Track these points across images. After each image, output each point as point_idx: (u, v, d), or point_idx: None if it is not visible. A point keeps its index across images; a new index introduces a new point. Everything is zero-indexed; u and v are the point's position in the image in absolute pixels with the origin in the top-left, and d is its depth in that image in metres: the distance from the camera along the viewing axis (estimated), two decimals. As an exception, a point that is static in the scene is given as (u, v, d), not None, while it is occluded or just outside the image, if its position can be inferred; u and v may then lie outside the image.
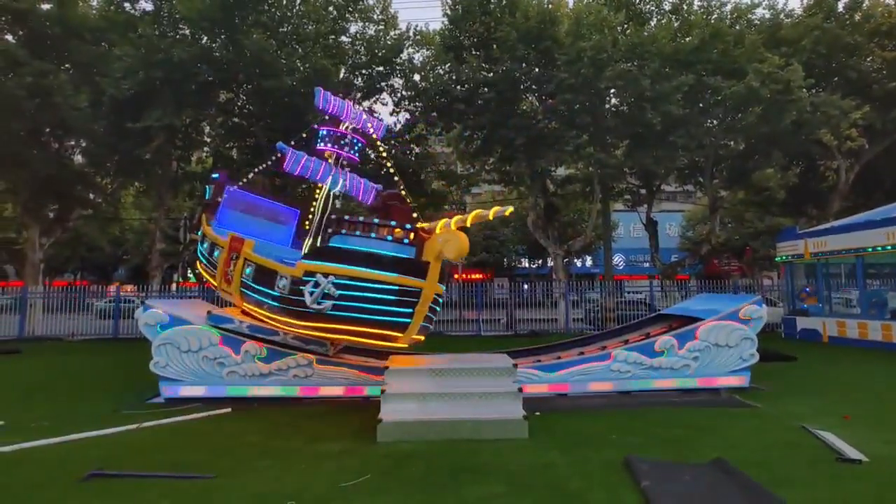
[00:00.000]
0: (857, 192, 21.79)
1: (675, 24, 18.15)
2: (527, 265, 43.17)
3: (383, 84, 19.41)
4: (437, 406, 5.84)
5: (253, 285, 6.99)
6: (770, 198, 24.64)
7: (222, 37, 16.17)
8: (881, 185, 21.20)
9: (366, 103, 19.79)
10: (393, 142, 20.48)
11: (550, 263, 19.86)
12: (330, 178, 7.98)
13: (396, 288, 5.94)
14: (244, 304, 7.42)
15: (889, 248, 13.54)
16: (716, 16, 18.42)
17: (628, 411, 6.88)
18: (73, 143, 19.90)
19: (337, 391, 7.50)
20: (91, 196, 21.56)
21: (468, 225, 5.58)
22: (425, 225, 5.96)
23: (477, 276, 36.82)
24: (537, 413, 6.46)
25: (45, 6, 17.16)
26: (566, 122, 17.35)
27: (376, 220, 6.23)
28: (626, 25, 18.16)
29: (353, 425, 6.15)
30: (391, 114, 20.63)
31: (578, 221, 32.11)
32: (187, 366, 7.36)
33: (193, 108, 16.66)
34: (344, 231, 6.23)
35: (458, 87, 18.47)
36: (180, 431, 6.02)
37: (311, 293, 6.12)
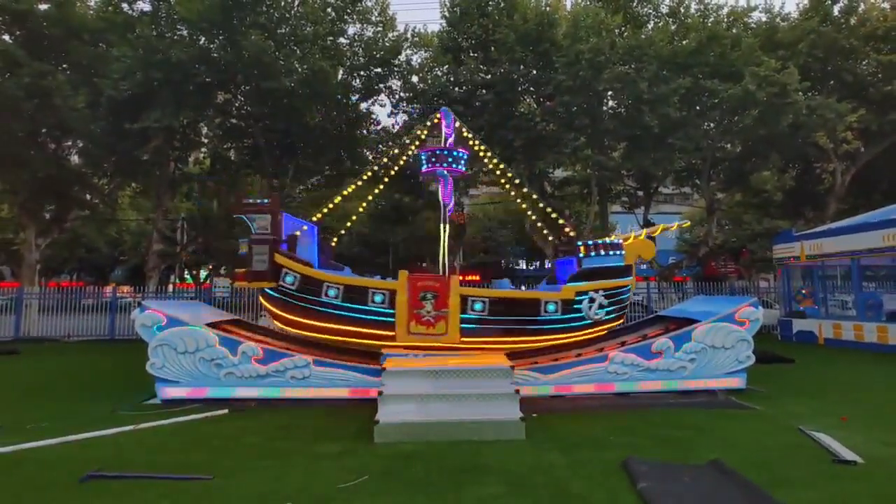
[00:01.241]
0: (853, 194, 21.90)
1: (673, 28, 18.23)
2: (525, 266, 43.22)
3: (381, 85, 19.43)
4: (435, 407, 5.85)
5: (497, 318, 7.67)
6: (767, 200, 24.74)
7: (221, 38, 16.17)
8: (878, 188, 21.31)
9: (364, 104, 19.83)
10: (391, 143, 20.51)
11: (548, 265, 19.90)
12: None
13: (627, 288, 8.26)
14: (461, 339, 7.58)
15: (885, 250, 13.61)
16: (713, 19, 18.48)
17: (625, 413, 6.90)
18: (70, 143, 19.86)
19: (335, 392, 7.50)
20: (88, 197, 21.53)
21: (655, 235, 8.53)
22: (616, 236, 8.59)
23: (474, 276, 36.84)
24: (534, 414, 6.48)
25: (44, 6, 17.14)
26: (564, 124, 17.39)
27: (607, 241, 8.33)
28: (623, 28, 18.22)
29: (351, 426, 6.16)
30: (389, 115, 20.65)
31: (576, 223, 32.19)
32: (184, 367, 7.35)
33: (192, 109, 16.64)
34: (593, 254, 8.13)
35: (457, 88, 18.50)
36: (178, 432, 6.02)
37: (590, 307, 7.87)
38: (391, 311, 7.52)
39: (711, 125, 18.47)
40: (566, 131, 17.32)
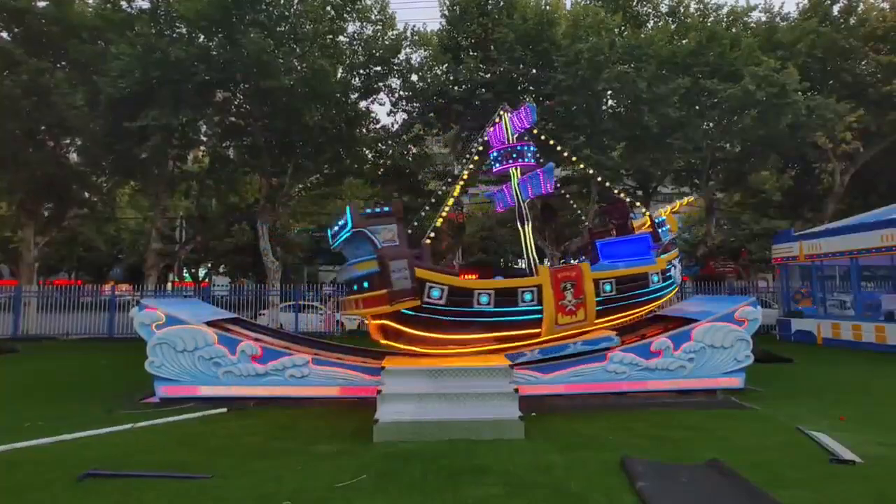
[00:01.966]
0: (852, 194, 21.93)
1: (672, 27, 18.23)
2: (524, 266, 43.17)
3: (381, 84, 19.40)
4: (434, 406, 5.85)
5: (620, 296, 8.14)
6: (766, 200, 24.76)
7: (220, 36, 16.14)
8: (876, 189, 21.34)
9: (363, 103, 19.81)
10: (390, 142, 20.50)
11: (547, 264, 19.87)
12: (524, 191, 8.48)
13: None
14: (595, 321, 7.93)
15: (882, 250, 13.63)
16: (712, 19, 18.49)
17: (624, 412, 6.91)
18: (69, 141, 19.82)
19: (333, 391, 7.49)
20: (87, 195, 21.49)
21: (676, 211, 9.78)
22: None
23: (473, 276, 36.77)
24: (533, 414, 6.47)
25: (42, 4, 17.10)
26: (564, 124, 17.39)
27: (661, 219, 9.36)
28: (623, 28, 18.22)
29: (350, 426, 6.15)
30: (388, 114, 20.61)
31: (575, 222, 32.15)
32: (183, 365, 7.34)
33: (191, 108, 16.60)
34: (665, 227, 9.20)
35: (456, 87, 18.48)
36: (176, 432, 6.01)
37: (674, 273, 9.03)
38: (539, 307, 7.50)
39: (710, 125, 18.47)
40: (565, 131, 17.32)
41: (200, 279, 36.41)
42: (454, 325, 7.14)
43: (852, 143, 18.94)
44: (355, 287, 6.95)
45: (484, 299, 7.23)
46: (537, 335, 7.57)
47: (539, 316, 7.50)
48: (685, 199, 10.79)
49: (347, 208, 6.57)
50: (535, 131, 8.95)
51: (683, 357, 7.84)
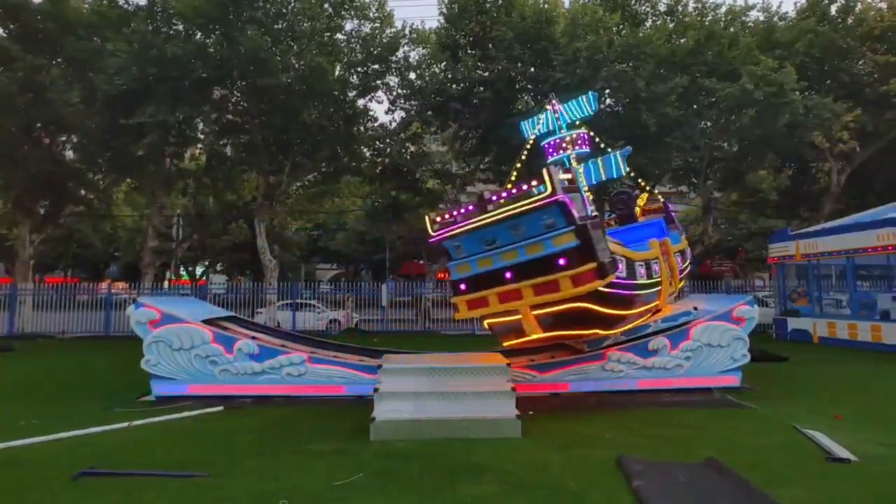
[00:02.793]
0: (849, 194, 22.01)
1: (671, 26, 18.24)
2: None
3: (379, 82, 19.38)
4: (431, 405, 5.82)
5: (682, 267, 9.03)
6: (763, 199, 24.82)
7: (217, 33, 16.08)
8: (872, 188, 21.42)
9: (361, 101, 19.78)
10: (388, 140, 20.47)
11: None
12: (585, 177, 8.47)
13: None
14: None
15: (879, 249, 13.67)
16: (710, 18, 18.52)
17: (622, 411, 6.90)
18: (65, 139, 19.73)
19: (331, 389, 7.48)
20: (83, 192, 21.41)
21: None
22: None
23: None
24: (531, 412, 6.47)
25: (38, 0, 17.00)
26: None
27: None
28: (621, 26, 18.22)
29: (347, 424, 6.13)
30: (386, 112, 20.57)
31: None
32: (179, 364, 7.31)
33: (187, 105, 16.54)
34: (674, 214, 9.87)
35: (454, 86, 18.46)
36: (173, 430, 5.99)
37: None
38: (660, 278, 7.52)
39: (708, 124, 18.50)
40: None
41: (197, 277, 36.32)
42: (626, 300, 6.51)
43: (849, 143, 18.99)
44: (508, 275, 5.87)
45: (641, 272, 6.81)
46: (658, 307, 7.69)
47: (660, 287, 7.55)
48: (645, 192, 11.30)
49: (545, 172, 5.34)
50: (576, 123, 8.82)
51: (681, 356, 7.85)
